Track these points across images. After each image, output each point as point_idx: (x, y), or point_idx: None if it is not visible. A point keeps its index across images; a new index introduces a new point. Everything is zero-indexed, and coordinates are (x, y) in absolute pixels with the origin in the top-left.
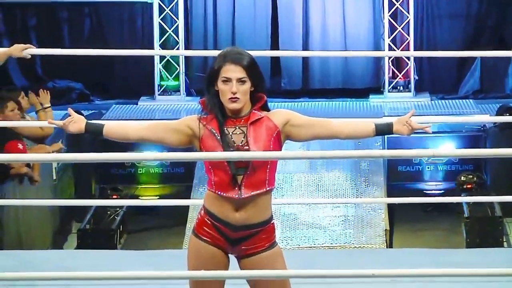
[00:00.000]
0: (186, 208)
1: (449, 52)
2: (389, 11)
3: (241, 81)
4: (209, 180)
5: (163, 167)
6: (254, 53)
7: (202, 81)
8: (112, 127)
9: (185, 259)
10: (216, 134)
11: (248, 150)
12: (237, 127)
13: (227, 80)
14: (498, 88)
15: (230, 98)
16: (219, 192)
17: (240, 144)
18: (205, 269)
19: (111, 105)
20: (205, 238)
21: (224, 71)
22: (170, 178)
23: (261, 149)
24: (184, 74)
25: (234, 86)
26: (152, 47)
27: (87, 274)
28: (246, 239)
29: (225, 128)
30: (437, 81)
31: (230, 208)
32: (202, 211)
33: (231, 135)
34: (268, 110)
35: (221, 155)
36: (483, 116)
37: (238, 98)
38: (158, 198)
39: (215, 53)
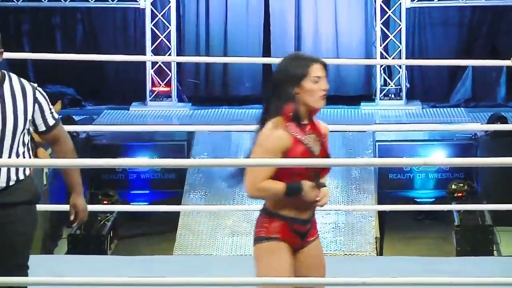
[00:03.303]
0: (177, 214)
1: (441, 61)
2: (381, 19)
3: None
4: None
5: (155, 172)
6: (246, 60)
7: (272, 87)
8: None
9: (175, 264)
10: (303, 141)
11: (326, 157)
12: (308, 133)
13: (318, 79)
14: (489, 97)
15: (321, 96)
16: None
17: (317, 153)
18: (290, 270)
19: (102, 111)
20: (283, 239)
21: (314, 70)
22: (161, 184)
23: (330, 156)
24: (176, 80)
25: (325, 83)
26: (144, 53)
27: (77, 280)
28: (310, 229)
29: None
30: (429, 89)
31: (305, 206)
32: (268, 218)
33: (310, 141)
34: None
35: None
36: (475, 125)
37: (326, 96)
38: (149, 204)
39: (207, 59)
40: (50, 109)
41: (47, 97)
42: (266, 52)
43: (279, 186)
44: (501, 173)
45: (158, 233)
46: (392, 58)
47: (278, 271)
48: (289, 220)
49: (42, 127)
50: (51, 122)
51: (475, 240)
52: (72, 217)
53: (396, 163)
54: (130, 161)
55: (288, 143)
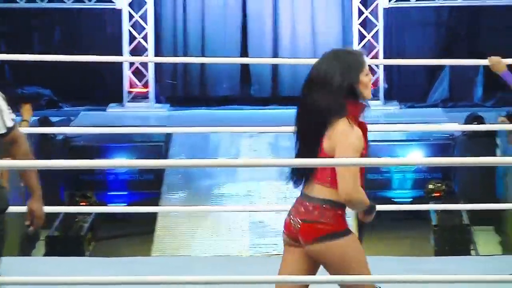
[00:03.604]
0: (155, 215)
1: (418, 60)
2: (358, 20)
3: None
4: None
5: (132, 174)
6: (223, 60)
7: (341, 81)
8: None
9: (153, 265)
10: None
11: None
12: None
13: (368, 71)
14: (467, 97)
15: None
16: None
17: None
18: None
19: (79, 112)
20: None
21: (365, 63)
22: (139, 185)
23: None
24: (153, 81)
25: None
26: (121, 54)
27: (55, 279)
28: None
29: None
30: (406, 89)
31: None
32: (333, 211)
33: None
34: None
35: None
36: (452, 125)
37: None
38: (127, 205)
39: (184, 60)
40: (9, 110)
41: (5, 99)
42: (244, 52)
43: (366, 199)
44: (478, 172)
45: (136, 234)
46: (370, 59)
47: (367, 265)
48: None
49: (2, 129)
50: (10, 124)
51: (453, 239)
52: (27, 222)
53: (374, 163)
54: (113, 162)
55: (363, 142)
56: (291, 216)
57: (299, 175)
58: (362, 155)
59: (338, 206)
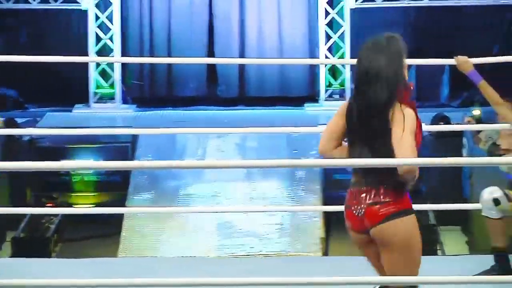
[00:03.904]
0: (122, 216)
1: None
2: (324, 20)
3: None
4: None
5: (99, 175)
6: (190, 60)
7: (395, 70)
8: None
9: (120, 266)
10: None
11: None
12: None
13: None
14: (433, 97)
15: None
16: None
17: None
18: None
19: (45, 113)
20: None
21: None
22: (105, 186)
23: None
24: (120, 81)
25: None
26: (88, 55)
27: (21, 281)
28: None
29: None
30: None
31: None
32: (404, 191)
33: None
34: None
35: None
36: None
37: None
38: (93, 206)
39: (150, 60)
40: None
41: None
42: (210, 53)
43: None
44: (444, 173)
45: (103, 236)
46: (337, 59)
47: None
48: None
49: None
50: None
51: None
52: None
53: (341, 164)
54: (80, 164)
55: (415, 122)
56: (352, 208)
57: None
58: (416, 135)
59: (402, 186)
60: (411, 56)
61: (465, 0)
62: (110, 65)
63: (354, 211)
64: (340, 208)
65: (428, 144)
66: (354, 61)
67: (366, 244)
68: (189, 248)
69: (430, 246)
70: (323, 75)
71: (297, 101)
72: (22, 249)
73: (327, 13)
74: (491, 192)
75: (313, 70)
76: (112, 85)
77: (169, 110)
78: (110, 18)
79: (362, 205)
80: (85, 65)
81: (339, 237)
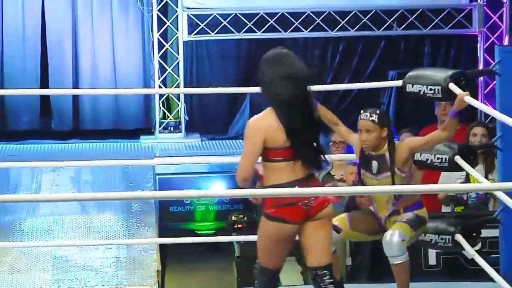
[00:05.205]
0: None
1: (217, 89)
2: (158, 53)
3: None
4: None
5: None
6: (23, 92)
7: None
8: None
9: None
10: None
11: None
12: None
13: None
14: None
15: None
16: None
17: None
18: None
19: None
20: None
21: None
22: None
23: None
24: None
25: None
26: None
27: None
28: None
29: None
30: (208, 122)
31: None
32: None
33: None
34: None
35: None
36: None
37: None
38: None
39: None
40: None
41: None
42: (44, 85)
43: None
44: None
45: None
46: (172, 88)
47: None
48: None
49: None
50: None
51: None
52: None
53: (176, 195)
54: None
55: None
56: (300, 204)
57: None
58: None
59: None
60: (243, 87)
61: (297, 32)
62: None
63: (302, 206)
64: (175, 240)
65: None
66: (189, 90)
67: (293, 235)
68: (23, 284)
69: None
70: (157, 108)
71: (133, 134)
72: None
73: (161, 46)
74: None
75: (148, 103)
76: None
77: (2, 144)
78: None
79: (312, 199)
80: None
81: (176, 269)
